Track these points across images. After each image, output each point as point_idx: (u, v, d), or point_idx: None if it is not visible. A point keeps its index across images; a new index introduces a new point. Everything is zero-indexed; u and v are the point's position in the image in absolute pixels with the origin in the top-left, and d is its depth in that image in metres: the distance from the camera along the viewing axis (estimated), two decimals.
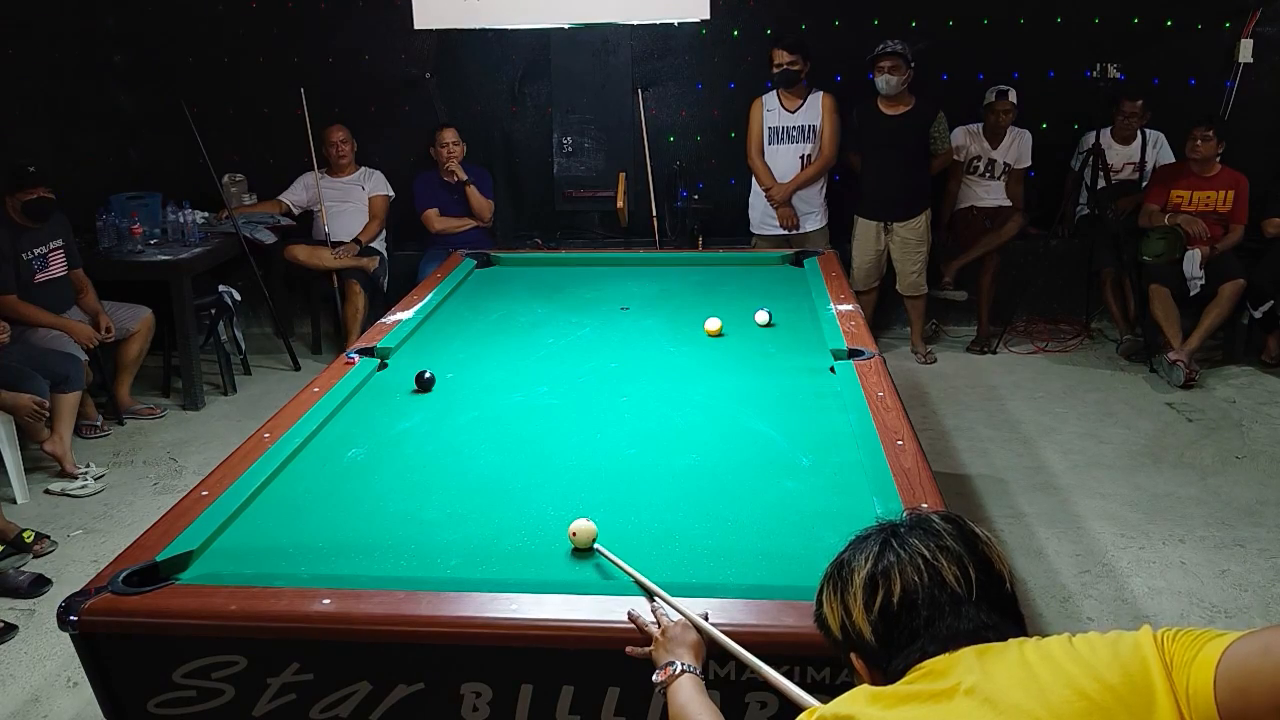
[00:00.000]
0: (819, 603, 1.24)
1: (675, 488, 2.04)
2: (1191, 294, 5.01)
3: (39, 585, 3.24)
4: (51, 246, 4.35)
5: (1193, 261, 4.97)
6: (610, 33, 5.60)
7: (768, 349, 2.94)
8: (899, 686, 1.12)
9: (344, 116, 5.64)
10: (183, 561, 1.71)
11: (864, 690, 1.15)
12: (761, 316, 3.15)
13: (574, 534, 1.78)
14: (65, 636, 1.57)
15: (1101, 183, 5.28)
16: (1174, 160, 5.44)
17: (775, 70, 5.11)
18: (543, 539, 1.83)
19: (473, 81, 5.92)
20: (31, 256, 4.26)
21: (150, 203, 5.32)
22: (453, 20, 5.37)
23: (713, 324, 3.06)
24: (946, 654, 1.12)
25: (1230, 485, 3.85)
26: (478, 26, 5.46)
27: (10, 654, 2.93)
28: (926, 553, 1.15)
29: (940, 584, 1.14)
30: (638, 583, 1.63)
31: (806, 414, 2.41)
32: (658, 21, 5.54)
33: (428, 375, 2.62)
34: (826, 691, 1.48)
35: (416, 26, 5.37)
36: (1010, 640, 1.18)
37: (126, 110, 5.87)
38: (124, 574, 1.63)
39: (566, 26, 5.52)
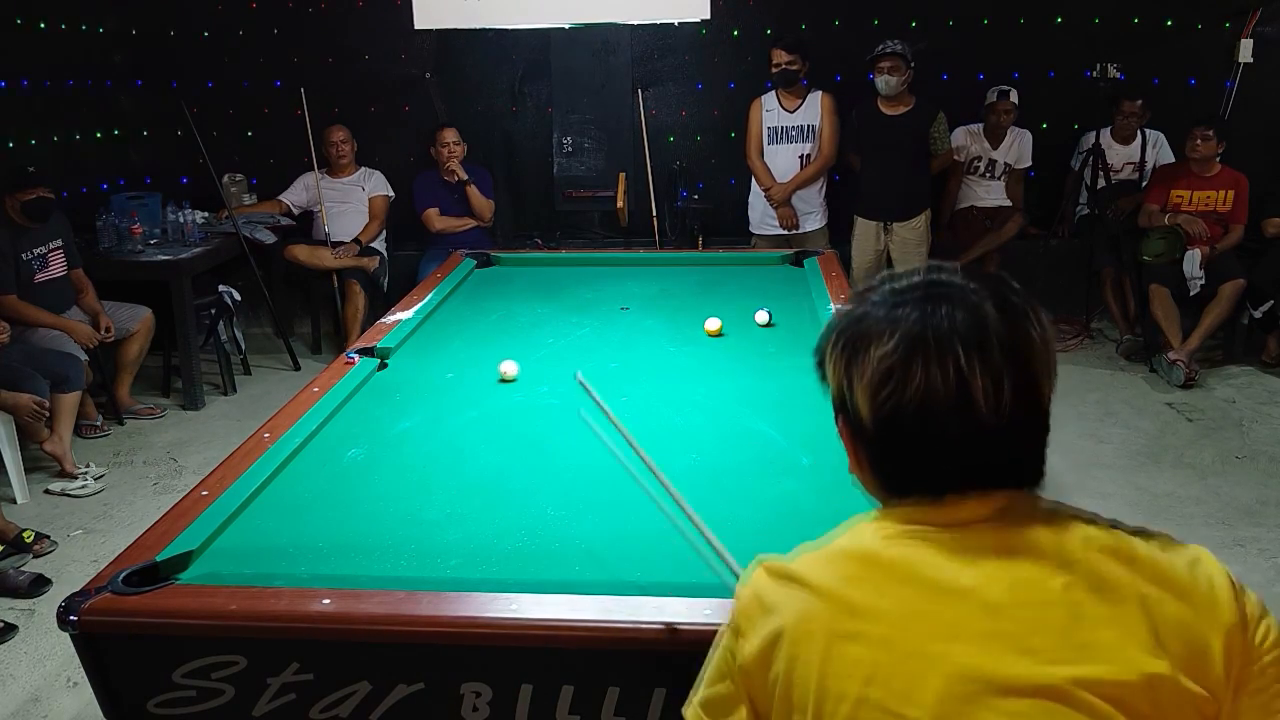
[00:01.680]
0: (822, 350, 1.04)
1: (675, 488, 2.03)
2: (1191, 294, 5.01)
3: (39, 585, 3.24)
4: (51, 246, 4.35)
5: (1193, 261, 4.97)
6: (610, 33, 5.60)
7: (768, 349, 2.93)
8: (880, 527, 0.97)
9: (344, 116, 5.65)
10: (183, 561, 1.71)
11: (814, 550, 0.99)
12: (761, 316, 3.15)
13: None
14: (65, 636, 1.57)
15: (1101, 183, 5.29)
16: (1174, 160, 5.44)
17: (774, 70, 5.11)
18: (543, 539, 1.82)
19: (473, 81, 5.92)
20: (31, 256, 4.26)
21: (150, 203, 5.32)
22: (453, 20, 5.37)
23: (713, 324, 3.06)
24: (953, 497, 0.95)
25: (1230, 485, 3.85)
26: (478, 26, 5.46)
27: (10, 654, 2.93)
28: (963, 356, 0.91)
29: (966, 404, 0.91)
30: (624, 435, 1.54)
31: (806, 414, 2.41)
32: (658, 21, 5.54)
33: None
34: None
35: (416, 26, 5.37)
36: (1044, 508, 0.97)
37: (126, 110, 5.87)
38: (124, 574, 1.62)
39: (566, 26, 5.51)
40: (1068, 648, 0.90)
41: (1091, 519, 1.00)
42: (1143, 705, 0.88)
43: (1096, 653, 0.89)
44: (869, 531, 0.99)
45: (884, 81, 5.03)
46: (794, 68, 5.08)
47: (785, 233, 5.27)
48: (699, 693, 1.04)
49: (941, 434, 0.93)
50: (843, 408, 1.02)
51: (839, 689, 0.91)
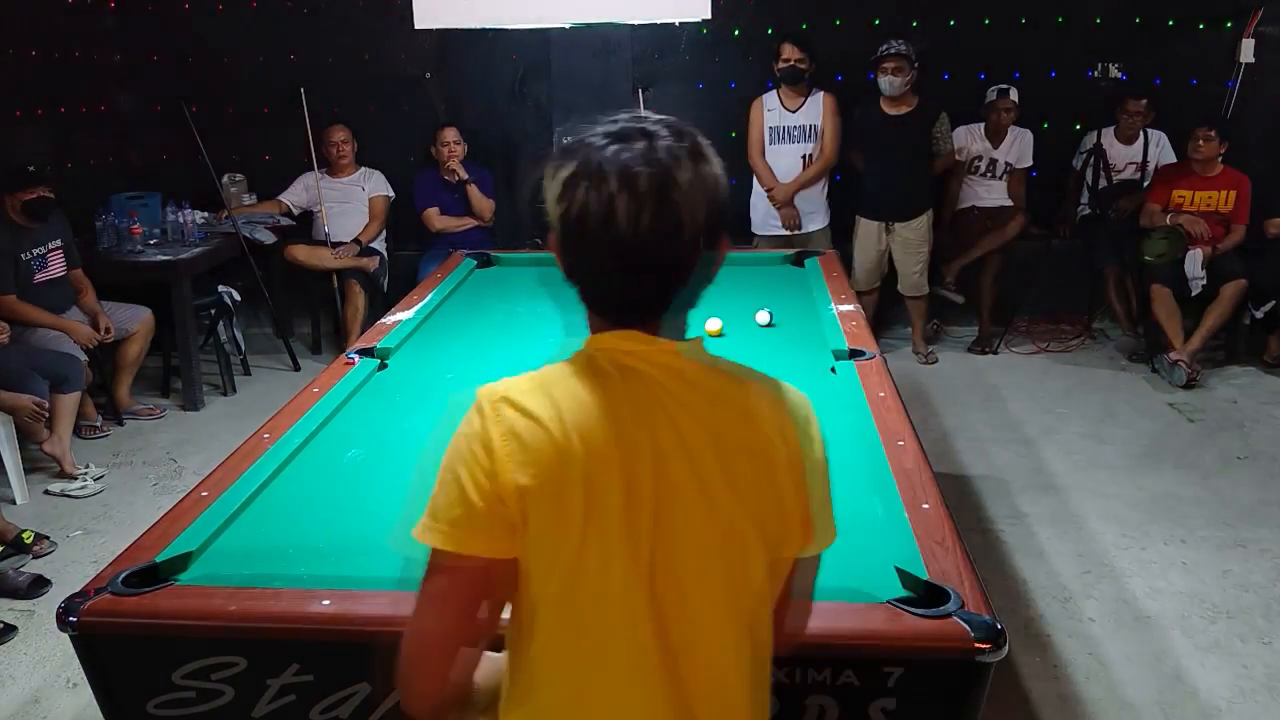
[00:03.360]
0: (540, 173, 1.16)
1: None
2: (1193, 294, 5.01)
3: (38, 586, 3.24)
4: (51, 247, 4.35)
5: (1194, 262, 4.97)
6: (610, 33, 5.59)
7: (768, 349, 2.93)
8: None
9: (344, 116, 5.64)
10: (182, 562, 1.71)
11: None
12: (762, 316, 3.15)
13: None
14: (65, 637, 1.57)
15: (1103, 182, 5.28)
16: (1175, 160, 5.43)
17: (782, 65, 5.09)
18: None
19: (473, 81, 5.91)
20: (30, 257, 4.25)
21: (150, 203, 5.31)
22: (453, 20, 5.35)
23: (713, 324, 3.06)
24: (609, 333, 1.17)
25: (1232, 485, 3.85)
26: (478, 26, 5.45)
27: (10, 655, 2.93)
28: (614, 182, 1.07)
29: (611, 219, 1.08)
30: None
31: None
32: (658, 21, 5.53)
33: None
34: (827, 692, 1.47)
35: (417, 26, 5.34)
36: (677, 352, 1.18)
37: (126, 110, 5.86)
38: (123, 575, 1.62)
39: (566, 26, 5.50)
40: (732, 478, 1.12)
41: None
42: (771, 525, 1.14)
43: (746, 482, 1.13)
44: (579, 357, 1.20)
45: (888, 82, 5.03)
46: (802, 65, 5.07)
47: (787, 233, 5.26)
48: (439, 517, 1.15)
49: (596, 241, 1.10)
50: (548, 223, 1.18)
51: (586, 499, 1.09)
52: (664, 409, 1.13)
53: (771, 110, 5.23)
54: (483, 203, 5.56)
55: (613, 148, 1.09)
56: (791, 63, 5.07)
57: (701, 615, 1.13)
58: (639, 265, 1.11)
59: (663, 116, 1.14)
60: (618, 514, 1.09)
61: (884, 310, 5.65)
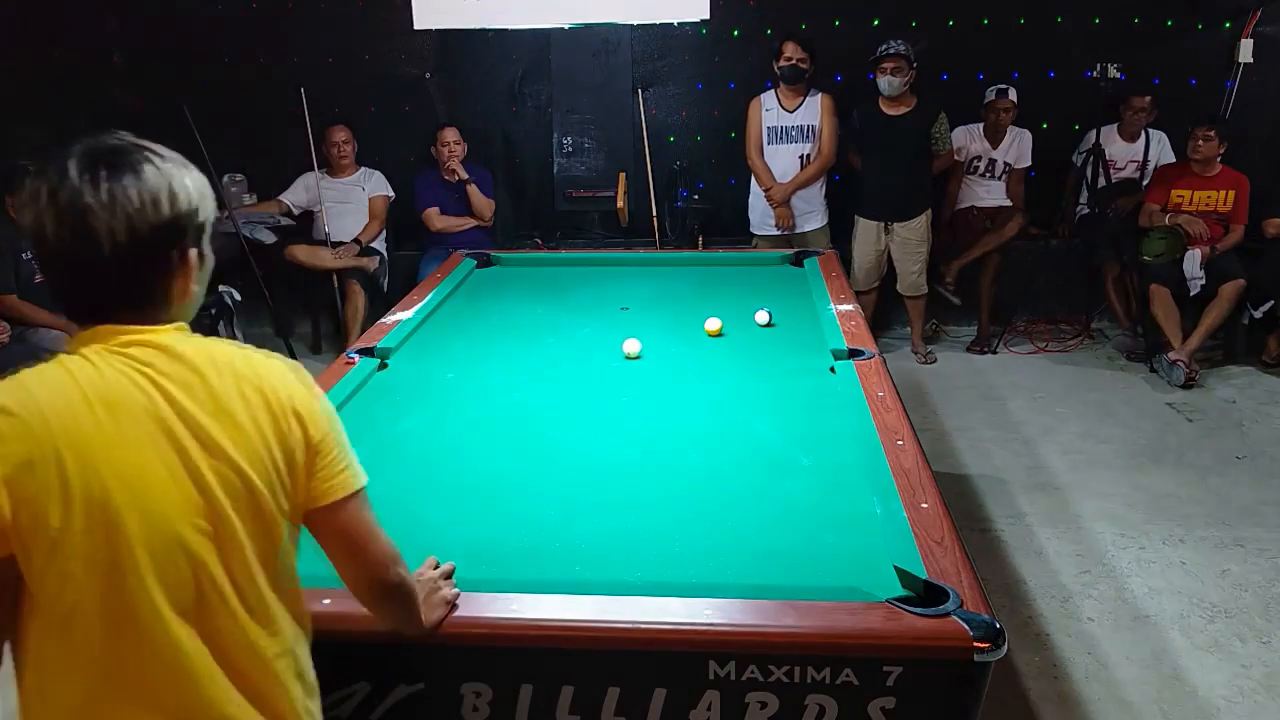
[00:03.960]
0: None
1: (675, 488, 2.03)
2: (1192, 294, 5.01)
3: None
4: None
5: (1193, 261, 4.97)
6: (610, 33, 5.60)
7: (768, 349, 2.93)
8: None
9: (344, 116, 5.64)
10: None
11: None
12: (761, 316, 3.15)
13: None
14: None
15: (1102, 182, 5.29)
16: (1175, 160, 5.44)
17: (783, 63, 5.09)
18: (543, 539, 1.82)
19: (473, 81, 5.92)
20: (30, 256, 4.26)
21: None
22: (453, 20, 5.38)
23: (713, 324, 3.06)
24: (84, 331, 1.23)
25: (1230, 485, 3.85)
26: (478, 26, 5.46)
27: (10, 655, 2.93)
28: (45, 197, 1.19)
29: (43, 235, 1.20)
30: None
31: (806, 414, 2.41)
32: (658, 21, 5.54)
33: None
34: (827, 692, 1.48)
35: (416, 26, 5.38)
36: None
37: (126, 110, 5.86)
38: None
39: (566, 26, 5.52)
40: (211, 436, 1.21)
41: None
42: (259, 482, 1.22)
43: (232, 441, 1.21)
44: (68, 360, 1.22)
45: (886, 82, 5.03)
46: (803, 65, 5.07)
47: (786, 233, 5.27)
48: None
49: (39, 254, 1.22)
50: None
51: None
52: (149, 387, 1.20)
53: (769, 110, 5.24)
54: (482, 203, 5.56)
55: (48, 171, 1.20)
56: (793, 61, 5.07)
57: (204, 583, 1.21)
58: (77, 271, 1.21)
59: (122, 140, 1.25)
60: (99, 496, 1.15)
61: (883, 310, 5.66)
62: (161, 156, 1.24)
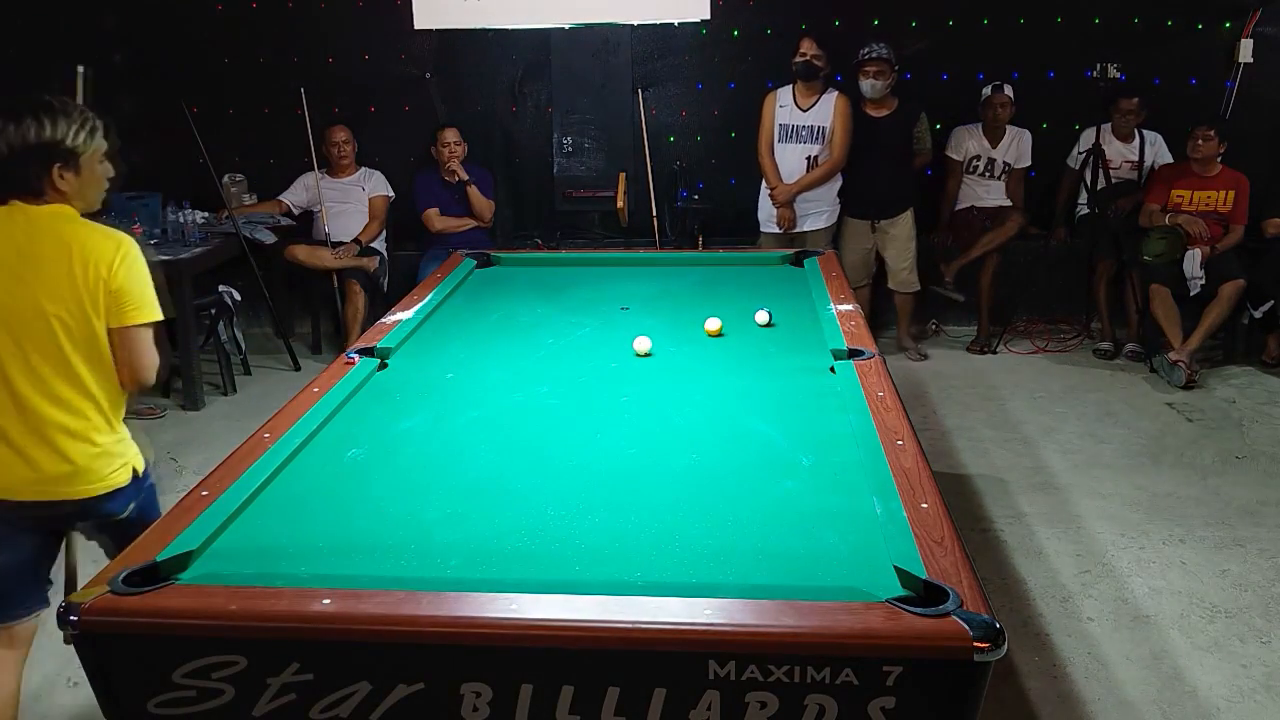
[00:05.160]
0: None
1: (675, 488, 2.03)
2: (1192, 294, 5.02)
3: None
4: None
5: (1193, 261, 4.97)
6: (610, 33, 5.60)
7: (768, 349, 2.93)
8: None
9: (344, 116, 5.64)
10: (183, 561, 1.71)
11: None
12: (761, 316, 3.15)
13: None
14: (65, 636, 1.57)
15: (1101, 182, 5.29)
16: (1172, 160, 5.44)
17: (799, 59, 5.09)
18: (543, 539, 1.82)
19: (473, 81, 5.92)
20: None
21: (150, 203, 5.31)
22: (453, 20, 5.38)
23: (713, 324, 3.06)
24: None
25: (1230, 485, 3.85)
26: (478, 26, 5.46)
27: None
28: None
29: None
30: None
31: (806, 414, 2.41)
32: (658, 21, 5.55)
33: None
34: (826, 691, 1.48)
35: (416, 27, 5.38)
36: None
37: (126, 110, 5.86)
38: (124, 574, 1.62)
39: (566, 26, 5.52)
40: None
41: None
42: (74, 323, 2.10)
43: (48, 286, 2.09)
44: None
45: (870, 85, 5.06)
46: (818, 62, 5.07)
47: (790, 232, 5.28)
48: None
49: None
50: None
51: None
52: (10, 242, 2.11)
53: (784, 107, 5.22)
54: (482, 203, 5.56)
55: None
56: (808, 58, 5.06)
57: (45, 363, 2.12)
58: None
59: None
60: (9, 301, 2.09)
61: (882, 310, 5.66)
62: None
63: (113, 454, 2.24)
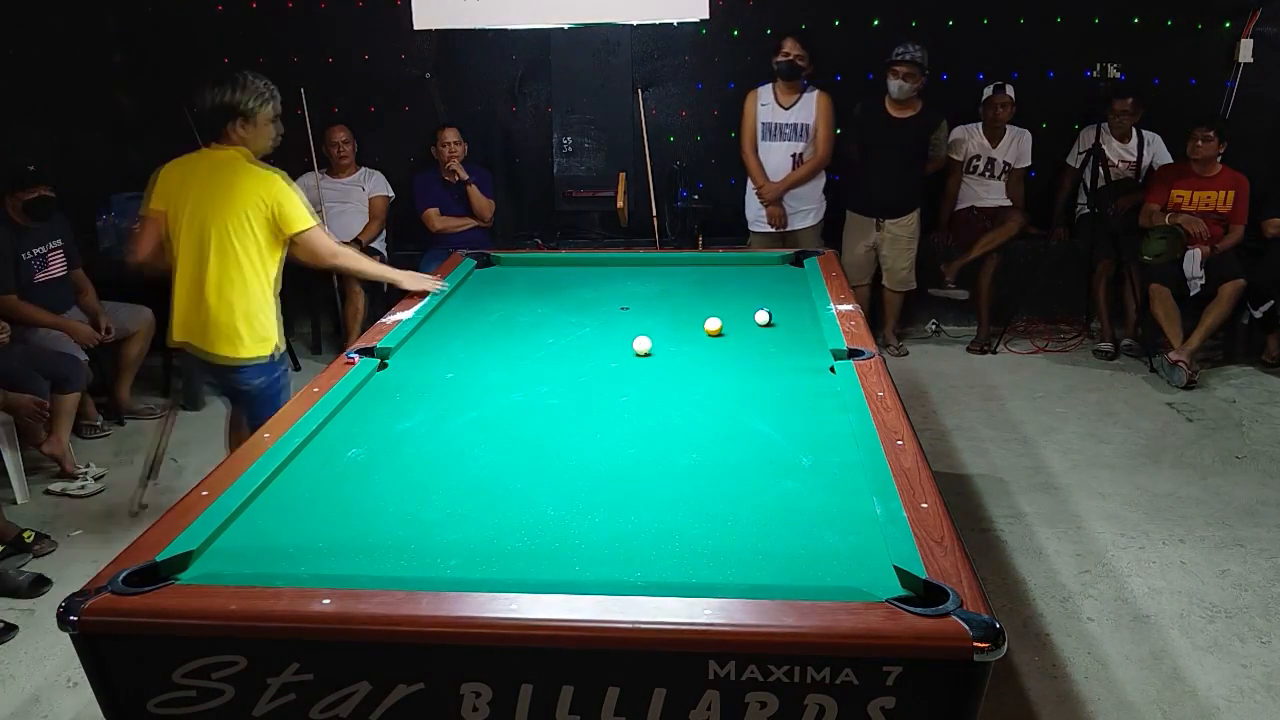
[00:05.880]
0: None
1: (675, 488, 2.03)
2: (1192, 294, 5.01)
3: (39, 585, 3.24)
4: (51, 247, 4.35)
5: (1193, 261, 4.97)
6: (610, 33, 5.60)
7: (768, 349, 2.93)
8: None
9: (344, 116, 5.64)
10: (183, 561, 1.71)
11: None
12: (761, 316, 3.15)
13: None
14: (65, 636, 1.57)
15: (1101, 181, 5.29)
16: (1170, 161, 5.44)
17: (781, 59, 5.09)
18: (543, 539, 1.82)
19: (473, 81, 5.92)
20: (31, 256, 4.26)
21: None
22: (453, 20, 5.37)
23: (713, 324, 3.06)
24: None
25: (1230, 485, 3.85)
26: (478, 26, 5.46)
27: (10, 654, 2.93)
28: None
29: None
30: None
31: (806, 414, 2.41)
32: (658, 21, 5.54)
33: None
34: (826, 691, 1.48)
35: (416, 27, 5.37)
36: None
37: (126, 110, 5.87)
38: (124, 574, 1.62)
39: (566, 26, 5.52)
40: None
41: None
42: (235, 231, 3.03)
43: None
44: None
45: (897, 86, 5.04)
46: (800, 63, 5.07)
47: (779, 230, 5.29)
48: None
49: None
50: None
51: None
52: (196, 169, 3.07)
53: (765, 105, 5.23)
54: (482, 203, 5.56)
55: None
56: (791, 58, 5.06)
57: (214, 261, 3.01)
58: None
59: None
60: (196, 214, 3.01)
61: (881, 309, 5.66)
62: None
63: (261, 330, 3.09)
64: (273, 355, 3.12)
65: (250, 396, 3.11)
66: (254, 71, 3.06)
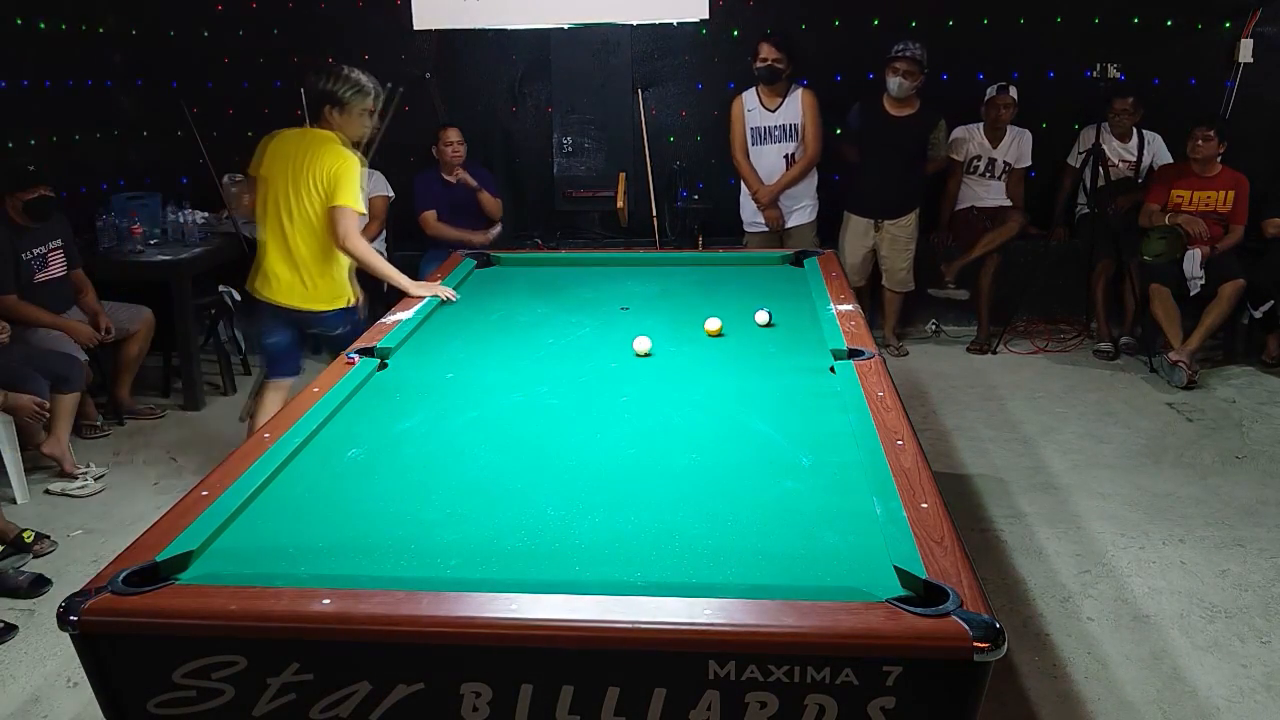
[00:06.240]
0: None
1: (675, 487, 2.03)
2: (1192, 294, 5.01)
3: (39, 585, 3.24)
4: (51, 246, 4.35)
5: (1193, 261, 4.97)
6: (610, 33, 5.60)
7: (768, 349, 2.93)
8: None
9: None
10: (183, 561, 1.71)
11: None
12: (761, 316, 3.15)
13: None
14: (65, 636, 1.57)
15: (1101, 181, 5.29)
16: (1170, 161, 5.44)
17: (759, 64, 5.09)
18: (543, 539, 1.82)
19: (473, 81, 5.92)
20: (31, 257, 4.26)
21: (150, 203, 5.32)
22: (453, 20, 5.38)
23: (713, 324, 3.06)
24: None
25: (1230, 485, 3.85)
26: (478, 26, 5.46)
27: (10, 654, 2.93)
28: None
29: None
30: None
31: (806, 414, 2.41)
32: (657, 21, 5.55)
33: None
34: (826, 691, 1.48)
35: (416, 27, 5.37)
36: None
37: (126, 110, 5.87)
38: (124, 574, 1.62)
39: (566, 26, 5.52)
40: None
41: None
42: (311, 199, 3.45)
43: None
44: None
45: (896, 83, 5.04)
46: (779, 66, 5.07)
47: (776, 230, 5.30)
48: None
49: None
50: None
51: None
52: (291, 141, 3.47)
53: (751, 110, 5.24)
54: (493, 204, 5.55)
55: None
56: (769, 62, 5.06)
57: (290, 222, 3.46)
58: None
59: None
60: (282, 179, 3.44)
61: (880, 309, 5.66)
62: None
63: (333, 285, 3.52)
64: (349, 304, 3.58)
65: (334, 340, 3.60)
66: (359, 67, 3.42)
